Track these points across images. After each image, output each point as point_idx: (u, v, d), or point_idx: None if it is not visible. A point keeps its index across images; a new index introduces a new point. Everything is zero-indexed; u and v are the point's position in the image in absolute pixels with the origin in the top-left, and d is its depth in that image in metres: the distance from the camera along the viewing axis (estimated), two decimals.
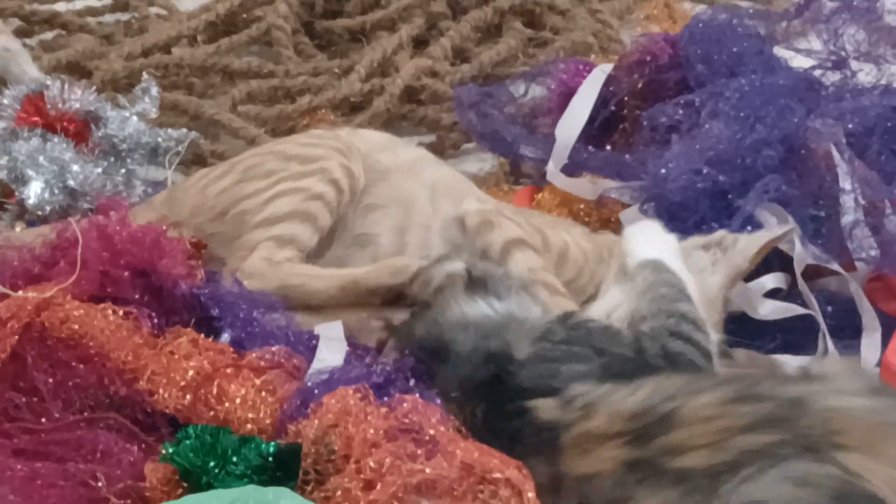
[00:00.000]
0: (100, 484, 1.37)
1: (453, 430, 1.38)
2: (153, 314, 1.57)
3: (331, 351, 1.56)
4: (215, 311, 1.59)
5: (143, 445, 1.46)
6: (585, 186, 2.00)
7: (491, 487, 1.31)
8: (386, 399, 1.43)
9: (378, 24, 2.62)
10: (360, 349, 1.60)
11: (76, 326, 1.50)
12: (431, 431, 1.35)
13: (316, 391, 1.45)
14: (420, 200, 1.79)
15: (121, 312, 1.53)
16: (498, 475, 1.31)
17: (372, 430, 1.34)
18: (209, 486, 1.36)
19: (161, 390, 1.47)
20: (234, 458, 1.36)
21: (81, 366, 1.50)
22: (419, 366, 1.52)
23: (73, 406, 1.49)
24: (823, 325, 1.73)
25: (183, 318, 1.58)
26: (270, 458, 1.36)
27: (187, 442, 1.37)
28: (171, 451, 1.37)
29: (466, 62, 2.50)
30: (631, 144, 2.06)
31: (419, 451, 1.32)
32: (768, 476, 1.28)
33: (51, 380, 1.49)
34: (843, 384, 1.38)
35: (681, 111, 1.97)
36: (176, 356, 1.50)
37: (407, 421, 1.37)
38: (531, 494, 1.32)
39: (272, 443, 1.38)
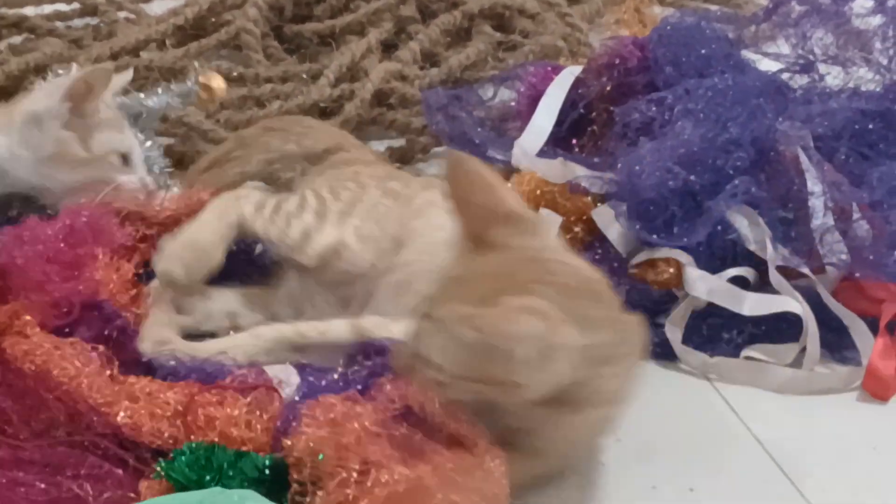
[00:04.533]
0: (88, 491, 1.36)
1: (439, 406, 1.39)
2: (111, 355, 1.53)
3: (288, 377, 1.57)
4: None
5: (130, 468, 1.42)
6: (555, 168, 1.94)
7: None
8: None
9: (347, 28, 2.62)
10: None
11: (40, 361, 1.46)
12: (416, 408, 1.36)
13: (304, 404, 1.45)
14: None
15: (88, 347, 1.49)
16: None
17: (360, 436, 1.34)
18: None
19: (147, 422, 1.43)
20: (231, 472, 1.35)
21: (51, 396, 1.44)
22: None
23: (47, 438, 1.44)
24: (813, 324, 1.75)
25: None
26: (267, 471, 1.36)
27: (182, 458, 1.37)
28: (165, 466, 1.37)
29: (436, 66, 2.49)
30: (599, 147, 2.06)
31: (406, 451, 1.33)
32: None
33: (11, 403, 1.45)
34: None
35: (653, 108, 1.97)
36: (155, 386, 1.48)
37: (395, 402, 1.37)
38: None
39: (268, 455, 1.38)
